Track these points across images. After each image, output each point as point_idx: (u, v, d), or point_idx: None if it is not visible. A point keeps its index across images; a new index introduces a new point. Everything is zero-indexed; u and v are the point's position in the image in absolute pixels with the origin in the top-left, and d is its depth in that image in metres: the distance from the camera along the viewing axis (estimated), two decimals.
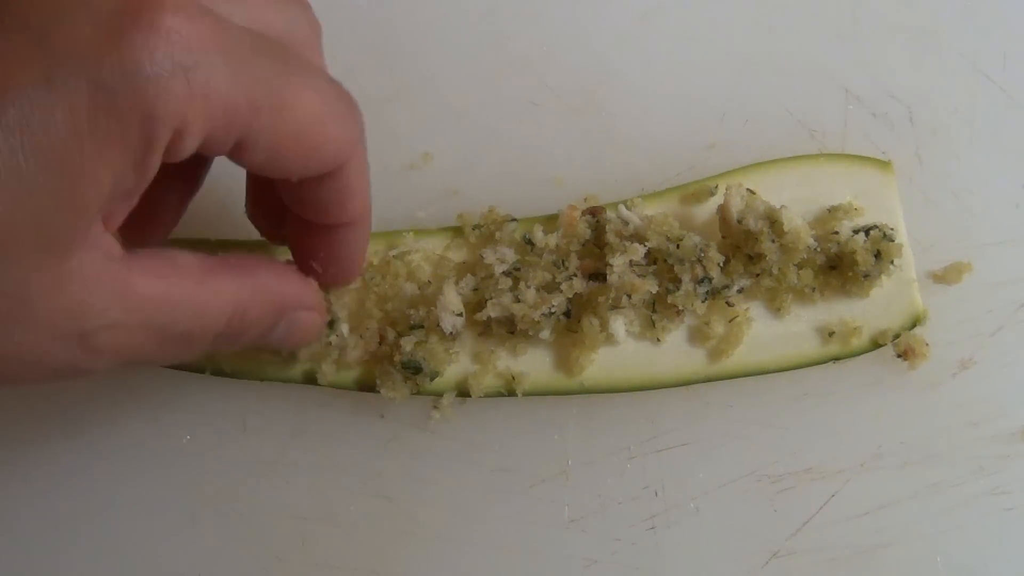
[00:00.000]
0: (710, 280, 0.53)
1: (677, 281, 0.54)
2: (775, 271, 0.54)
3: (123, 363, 0.39)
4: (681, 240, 0.53)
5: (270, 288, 0.44)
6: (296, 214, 0.46)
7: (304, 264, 0.49)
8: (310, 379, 0.54)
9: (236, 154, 0.39)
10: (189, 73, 0.34)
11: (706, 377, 0.55)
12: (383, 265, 0.55)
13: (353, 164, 0.43)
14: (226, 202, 0.59)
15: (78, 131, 0.33)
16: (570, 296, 0.53)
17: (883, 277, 0.55)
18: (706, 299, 0.54)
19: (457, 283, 0.54)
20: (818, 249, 0.55)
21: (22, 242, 0.33)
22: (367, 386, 0.55)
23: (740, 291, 0.54)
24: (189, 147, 0.36)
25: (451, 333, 0.53)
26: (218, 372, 0.55)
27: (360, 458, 0.56)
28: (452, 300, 0.53)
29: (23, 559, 0.56)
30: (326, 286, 0.51)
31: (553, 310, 0.53)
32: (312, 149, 0.40)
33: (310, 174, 0.42)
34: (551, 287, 0.54)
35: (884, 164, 0.57)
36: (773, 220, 0.54)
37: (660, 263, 0.54)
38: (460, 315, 0.53)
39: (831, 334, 0.55)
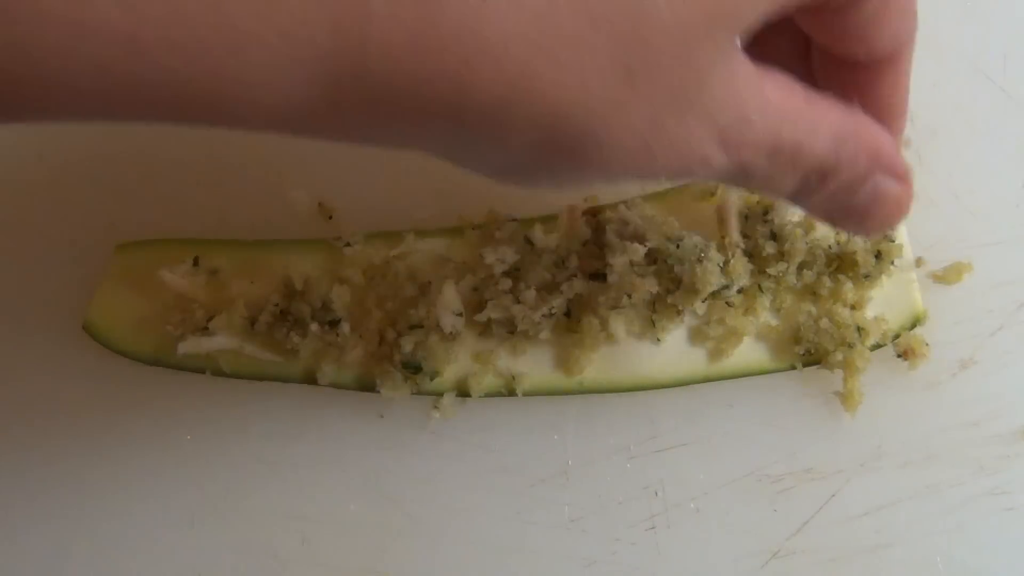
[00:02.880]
0: (710, 280, 0.53)
1: (677, 281, 0.54)
2: (775, 271, 0.54)
3: (735, 169, 0.37)
4: (681, 240, 0.53)
5: (869, 129, 0.40)
6: (825, 56, 0.43)
7: None
8: (310, 379, 0.54)
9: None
10: None
11: (706, 377, 0.55)
12: (383, 265, 0.55)
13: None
14: (223, 206, 0.59)
15: None
16: (570, 296, 0.53)
17: (883, 277, 0.55)
18: (706, 299, 0.54)
19: (457, 283, 0.54)
20: (818, 249, 0.55)
21: (718, 27, 0.33)
22: (367, 386, 0.55)
23: (740, 291, 0.54)
24: None
25: (451, 333, 0.53)
26: (218, 372, 0.55)
27: (360, 458, 0.56)
28: (452, 300, 0.53)
29: (23, 559, 0.56)
30: None
31: (553, 311, 0.53)
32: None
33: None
34: (551, 287, 0.54)
35: None
36: (772, 220, 0.54)
37: (660, 263, 0.54)
38: (460, 315, 0.53)
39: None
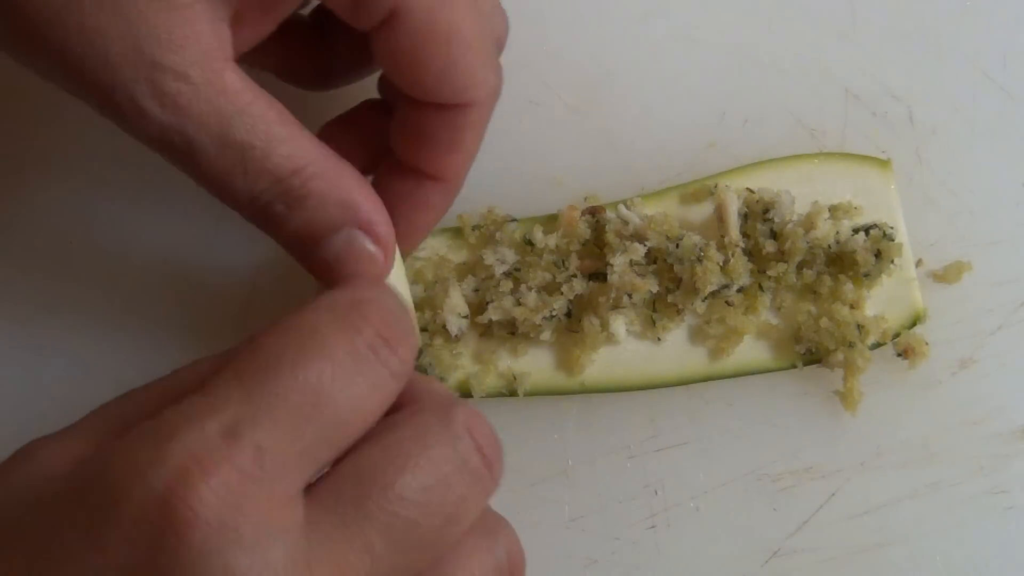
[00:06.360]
0: (710, 280, 0.53)
1: (677, 280, 0.54)
2: (775, 270, 0.54)
3: (171, 131, 0.36)
4: (681, 240, 0.53)
5: (346, 181, 0.39)
6: (394, 155, 0.45)
7: None
8: None
9: (385, 28, 0.38)
10: None
11: (706, 376, 0.55)
12: None
13: (475, 113, 0.42)
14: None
15: None
16: (571, 297, 0.53)
17: (883, 276, 0.55)
18: (706, 299, 0.54)
19: (458, 284, 0.54)
20: (818, 248, 0.55)
21: None
22: None
23: (740, 290, 0.55)
24: None
25: (456, 335, 0.53)
26: None
27: None
28: (457, 302, 0.53)
29: None
30: None
31: (554, 313, 0.53)
32: (452, 63, 0.39)
33: (439, 92, 0.40)
34: (552, 287, 0.54)
35: (883, 163, 0.58)
36: (772, 219, 0.54)
37: (660, 262, 0.54)
38: (465, 317, 0.53)
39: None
